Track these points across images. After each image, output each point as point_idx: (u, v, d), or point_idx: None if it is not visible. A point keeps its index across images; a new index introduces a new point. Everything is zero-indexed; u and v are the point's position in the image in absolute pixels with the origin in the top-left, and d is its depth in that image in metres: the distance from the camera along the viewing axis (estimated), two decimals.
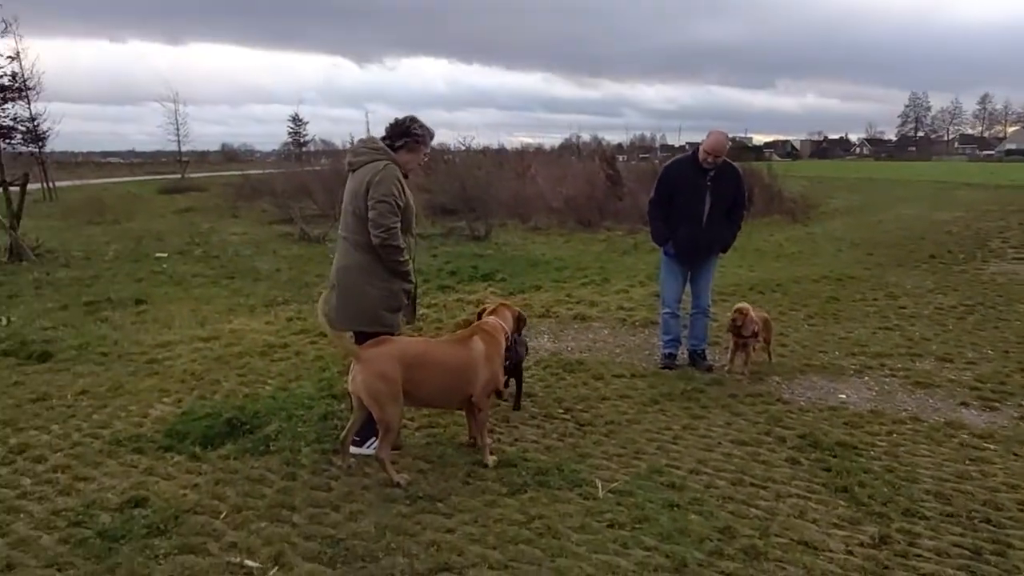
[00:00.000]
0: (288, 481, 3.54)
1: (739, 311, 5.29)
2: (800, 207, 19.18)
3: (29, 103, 18.58)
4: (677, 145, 68.87)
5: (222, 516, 3.18)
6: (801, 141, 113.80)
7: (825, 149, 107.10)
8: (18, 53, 16.60)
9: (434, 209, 15.44)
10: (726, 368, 5.55)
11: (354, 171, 3.76)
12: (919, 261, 11.12)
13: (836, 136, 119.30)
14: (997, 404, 4.89)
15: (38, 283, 9.27)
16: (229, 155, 71.88)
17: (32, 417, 4.46)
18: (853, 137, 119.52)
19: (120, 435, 4.11)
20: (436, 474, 3.64)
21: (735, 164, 5.55)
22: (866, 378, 5.48)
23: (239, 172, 30.05)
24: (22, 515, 3.21)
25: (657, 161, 26.62)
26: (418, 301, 4.18)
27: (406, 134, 3.77)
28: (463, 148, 17.33)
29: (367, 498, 3.36)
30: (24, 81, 15.46)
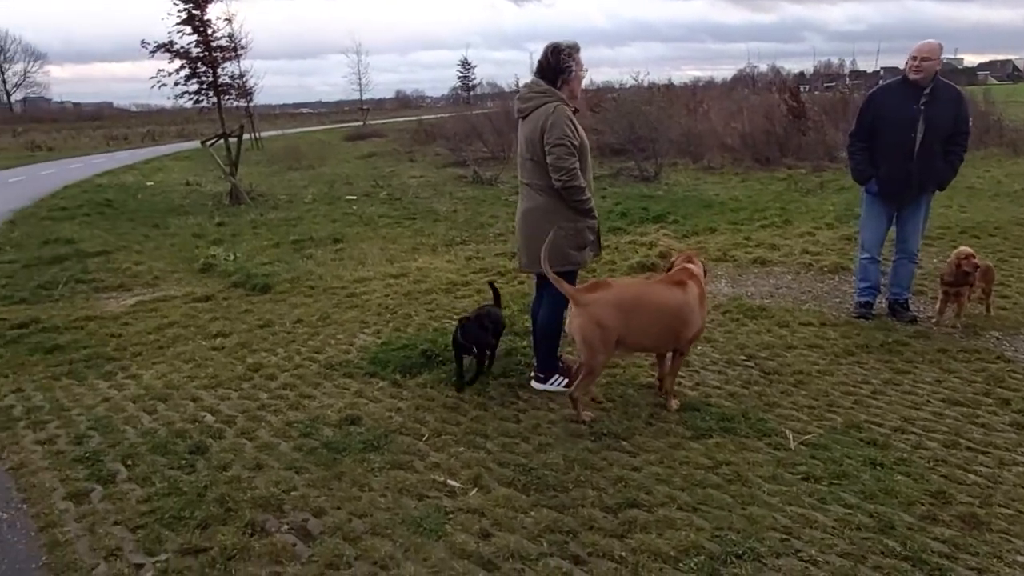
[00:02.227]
0: (480, 411, 3.78)
1: (966, 256, 4.73)
2: (1022, 138, 16.52)
3: (239, 62, 20.64)
4: (871, 71, 61.26)
5: (424, 439, 3.48)
6: None
7: None
8: (231, 17, 18.38)
9: (601, 149, 15.18)
10: (934, 320, 5.03)
11: (524, 117, 3.75)
12: None
13: None
14: None
15: (254, 223, 10.50)
16: (403, 101, 75.40)
17: (261, 340, 5.13)
18: None
19: (332, 360, 4.61)
20: (619, 413, 3.70)
21: (958, 88, 4.85)
22: None
23: (414, 118, 31.44)
24: (263, 424, 3.74)
25: (846, 89, 24.00)
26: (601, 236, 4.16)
27: (559, 70, 3.67)
28: (632, 84, 16.67)
29: (554, 432, 3.50)
30: (237, 42, 17.15)
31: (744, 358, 4.52)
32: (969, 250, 4.82)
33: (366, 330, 5.27)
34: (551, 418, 3.67)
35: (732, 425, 3.53)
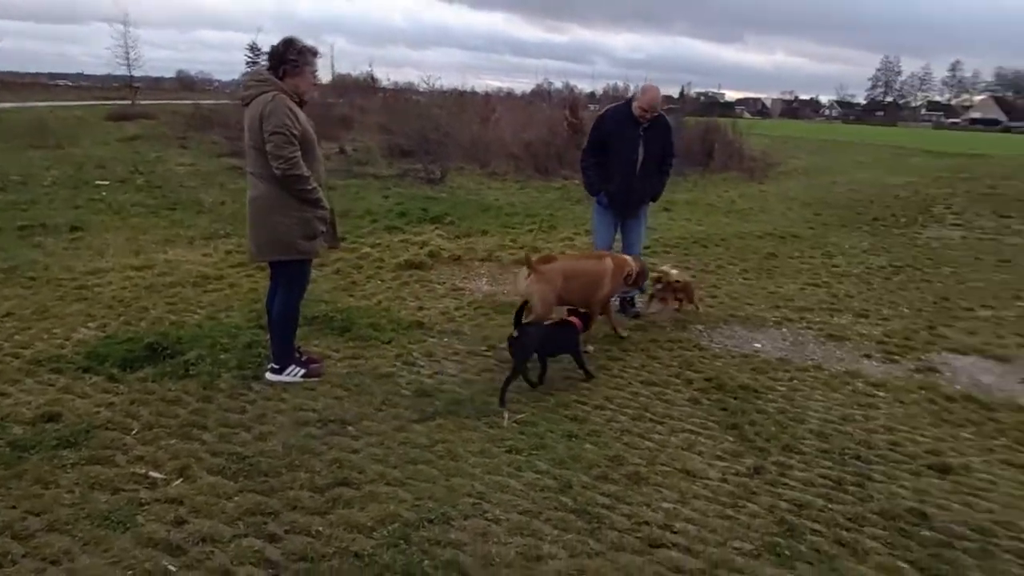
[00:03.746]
0: (203, 403, 3.64)
1: (660, 272, 5.61)
2: (759, 165, 19.43)
3: None
4: None
5: (133, 432, 3.29)
6: (772, 100, 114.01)
7: (795, 109, 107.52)
8: None
9: (391, 150, 15.26)
10: (651, 313, 5.79)
11: (247, 105, 3.73)
12: (862, 223, 11.45)
13: (807, 97, 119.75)
14: (897, 357, 5.19)
15: None
16: (185, 83, 68.73)
17: None
18: (823, 98, 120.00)
19: (40, 355, 4.15)
20: (352, 401, 3.79)
21: (667, 118, 5.65)
22: (784, 330, 5.74)
23: (193, 101, 29.03)
24: None
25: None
26: (337, 225, 4.21)
27: (283, 61, 3.70)
28: (426, 88, 16.96)
29: (279, 420, 3.50)
30: None
31: (484, 348, 4.84)
32: (664, 269, 5.79)
33: (90, 324, 4.81)
34: (280, 408, 3.65)
35: (458, 408, 3.78)
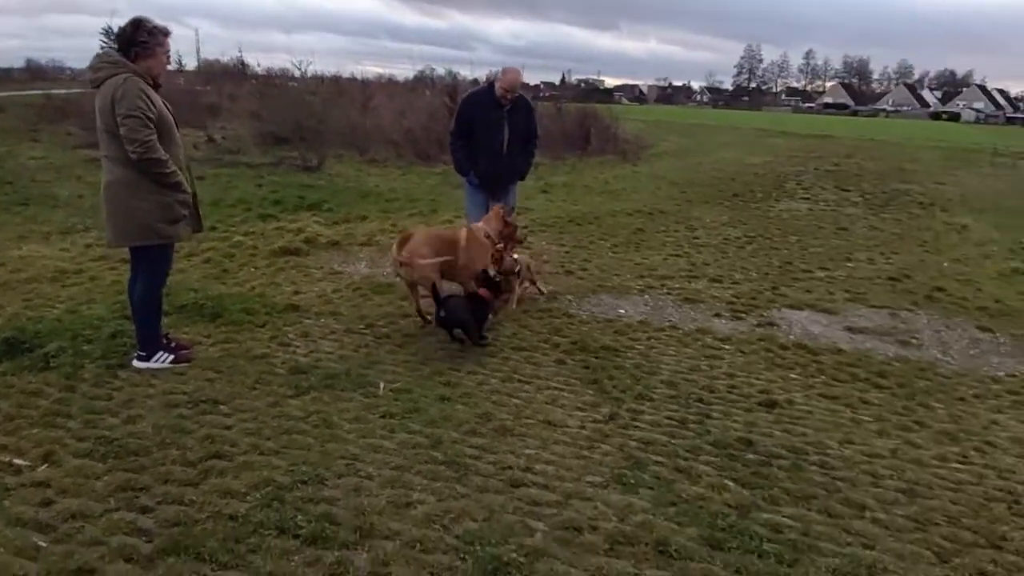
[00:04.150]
0: (66, 393, 3.56)
1: (496, 250, 5.65)
2: (633, 148, 20.41)
3: None
4: (532, 84, 69.43)
5: None
6: (648, 86, 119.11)
7: (670, 95, 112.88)
8: None
9: (264, 138, 14.78)
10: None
11: (98, 87, 3.65)
12: (723, 199, 12.39)
13: (680, 83, 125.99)
14: (743, 315, 5.78)
15: None
16: (36, 72, 62.50)
17: None
18: (695, 85, 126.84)
19: None
20: (224, 382, 3.81)
21: (529, 100, 5.95)
22: (646, 296, 6.23)
23: (41, 91, 26.60)
24: None
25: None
26: (201, 209, 4.17)
27: (133, 43, 3.63)
28: (298, 74, 16.47)
29: (148, 404, 3.48)
30: None
31: (363, 327, 4.95)
32: (500, 247, 5.66)
33: None
34: (148, 392, 3.62)
35: (334, 382, 3.90)
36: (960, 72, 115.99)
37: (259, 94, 15.84)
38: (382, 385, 3.89)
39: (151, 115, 3.56)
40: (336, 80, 22.73)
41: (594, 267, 7.17)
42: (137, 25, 3.62)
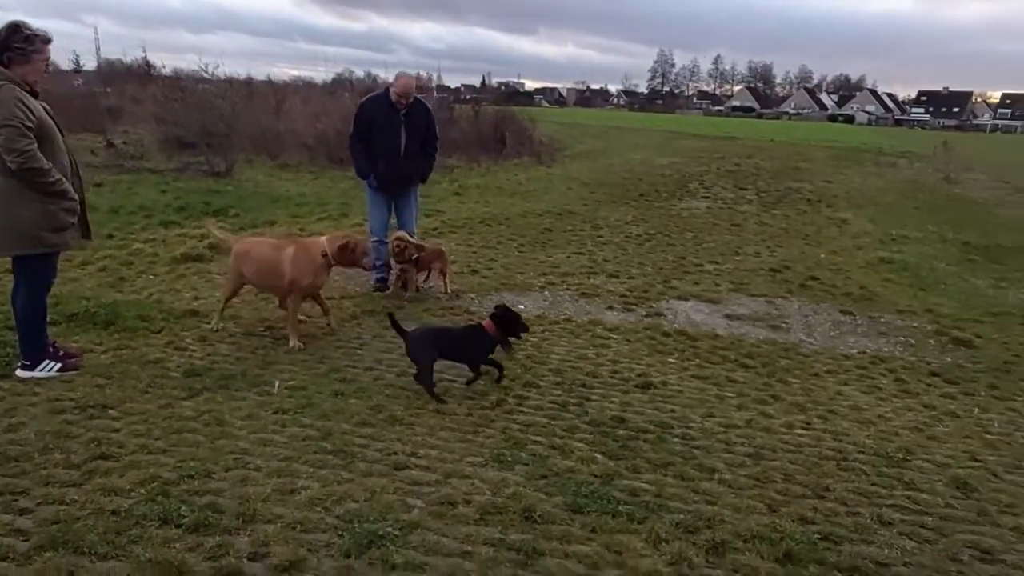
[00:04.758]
0: None
1: (399, 238, 5.80)
2: (548, 150, 20.91)
3: None
4: (452, 87, 69.67)
5: None
6: (568, 89, 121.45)
7: (588, 98, 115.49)
8: None
9: (169, 142, 14.35)
10: (400, 287, 6.11)
11: None
12: (630, 199, 12.93)
13: (597, 86, 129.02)
14: (634, 307, 6.17)
15: None
16: None
17: None
18: (612, 88, 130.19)
19: None
20: (115, 387, 3.83)
21: (425, 102, 6.15)
22: (547, 292, 6.53)
23: None
24: None
25: (433, 103, 26.83)
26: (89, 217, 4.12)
27: (7, 48, 3.56)
28: (207, 76, 15.99)
29: (32, 412, 3.47)
30: None
31: (262, 329, 5.02)
32: (401, 235, 5.86)
33: None
34: (32, 400, 3.61)
35: (228, 382, 3.98)
36: (854, 76, 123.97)
37: (164, 97, 15.29)
38: (277, 384, 4.00)
39: (29, 124, 3.52)
40: (248, 82, 22.21)
41: (499, 266, 7.42)
42: (13, 30, 3.57)
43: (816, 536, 2.78)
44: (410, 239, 5.86)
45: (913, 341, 5.54)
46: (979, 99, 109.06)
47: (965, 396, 4.47)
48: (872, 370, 4.86)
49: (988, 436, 3.88)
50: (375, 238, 6.17)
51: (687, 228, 10.23)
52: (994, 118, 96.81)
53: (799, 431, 3.81)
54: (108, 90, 25.62)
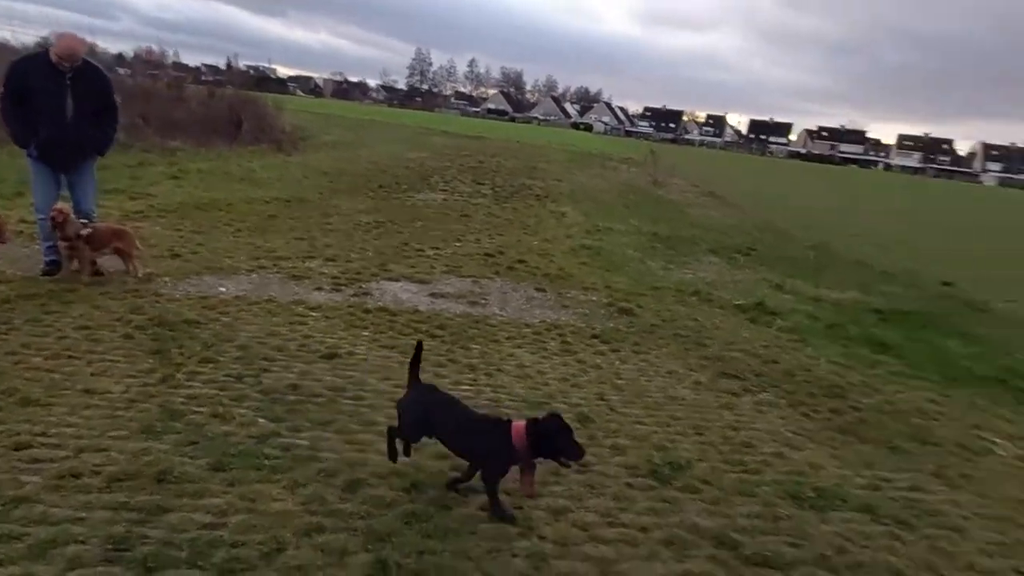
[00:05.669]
0: None
1: (57, 210, 5.23)
2: (290, 139, 20.15)
3: None
4: (192, 65, 63.40)
5: None
6: (324, 79, 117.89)
7: (346, 90, 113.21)
8: None
9: None
10: (73, 269, 5.50)
11: None
12: (369, 189, 13.01)
13: (356, 79, 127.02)
14: (344, 287, 6.25)
15: None
16: None
17: None
18: (371, 82, 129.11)
19: None
20: None
21: (101, 68, 5.63)
22: (254, 275, 6.34)
23: None
24: None
25: (166, 80, 24.08)
26: None
27: None
28: None
29: None
30: None
31: None
32: (60, 206, 5.29)
33: None
34: None
35: None
36: (593, 90, 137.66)
37: None
38: None
39: None
40: None
41: (207, 250, 7.04)
42: None
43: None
44: (69, 211, 5.29)
45: (587, 312, 6.39)
46: (689, 118, 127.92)
47: (613, 352, 5.29)
48: (545, 336, 5.52)
49: (618, 381, 4.65)
50: (42, 216, 5.50)
51: (418, 218, 10.60)
52: (700, 134, 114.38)
53: (465, 386, 4.21)
54: None
